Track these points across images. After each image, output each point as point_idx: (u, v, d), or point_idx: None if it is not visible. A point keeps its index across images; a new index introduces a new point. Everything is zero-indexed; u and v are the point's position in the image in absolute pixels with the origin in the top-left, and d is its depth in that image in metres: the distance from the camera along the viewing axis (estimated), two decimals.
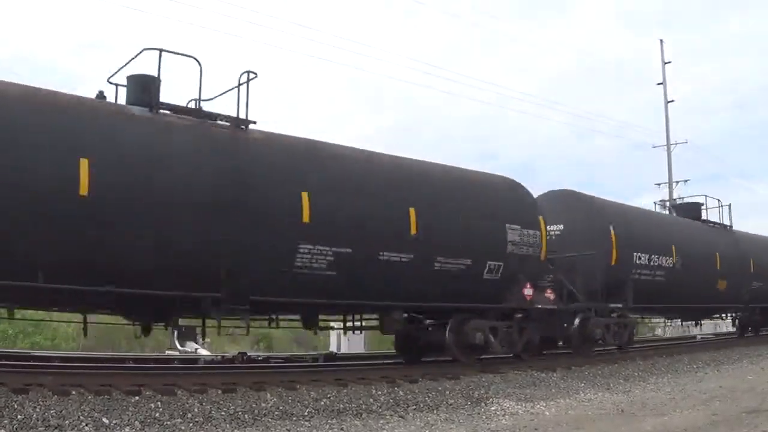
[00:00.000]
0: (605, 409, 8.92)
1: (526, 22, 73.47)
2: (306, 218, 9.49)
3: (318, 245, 9.57)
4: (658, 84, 34.76)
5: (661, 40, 35.22)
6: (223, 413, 7.17)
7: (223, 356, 13.38)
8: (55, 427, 6.18)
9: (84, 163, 7.89)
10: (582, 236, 13.90)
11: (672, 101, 34.56)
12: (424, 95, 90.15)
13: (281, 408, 7.62)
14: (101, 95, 9.30)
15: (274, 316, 10.64)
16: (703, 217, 19.73)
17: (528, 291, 12.34)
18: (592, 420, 8.16)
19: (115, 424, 6.45)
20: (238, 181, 9.09)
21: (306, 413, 7.64)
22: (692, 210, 19.83)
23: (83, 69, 64.17)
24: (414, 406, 8.50)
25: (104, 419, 6.48)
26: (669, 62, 34.87)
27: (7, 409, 6.30)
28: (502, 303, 12.06)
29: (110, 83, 9.69)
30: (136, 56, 9.51)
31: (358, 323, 12.20)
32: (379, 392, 8.86)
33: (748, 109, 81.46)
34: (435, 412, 8.39)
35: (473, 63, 70.75)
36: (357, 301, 10.41)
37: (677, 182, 34.73)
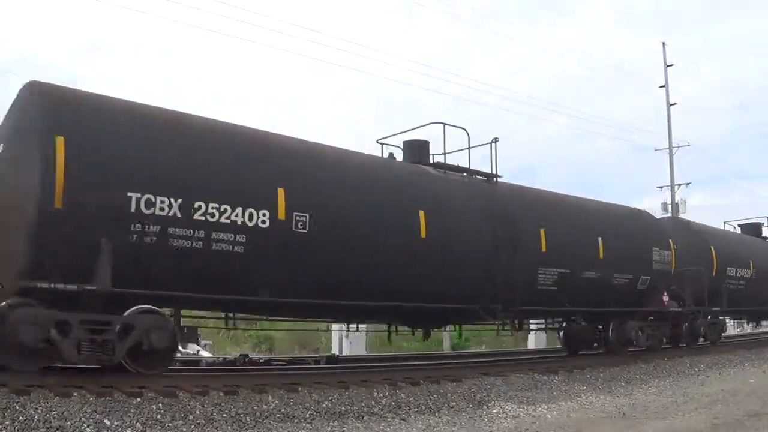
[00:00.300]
0: (607, 412, 8.92)
1: (527, 25, 73.58)
2: (543, 248, 12.70)
3: (549, 268, 12.85)
4: (660, 87, 34.72)
5: (664, 43, 35.22)
6: (224, 415, 7.17)
7: (224, 358, 13.38)
8: (57, 429, 6.19)
9: (422, 214, 10.84)
10: (690, 254, 17.13)
11: (674, 104, 34.52)
12: (425, 97, 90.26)
13: (283, 410, 7.63)
14: (392, 156, 12.33)
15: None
16: (764, 234, 23.74)
17: (665, 298, 15.69)
18: (593, 423, 8.16)
19: (117, 425, 6.46)
20: (503, 223, 12.12)
21: (308, 415, 7.64)
22: (755, 229, 23.77)
23: (83, 70, 64.35)
24: (416, 409, 8.50)
25: (106, 421, 6.49)
26: (671, 65, 34.85)
27: (8, 411, 6.31)
28: (646, 307, 15.47)
29: (379, 143, 12.56)
30: (421, 126, 12.66)
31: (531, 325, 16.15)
32: (381, 395, 8.85)
33: (750, 110, 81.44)
34: (437, 414, 8.39)
35: (474, 65, 70.85)
36: (566, 308, 13.67)
37: (679, 185, 34.75)
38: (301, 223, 9.35)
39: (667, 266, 15.72)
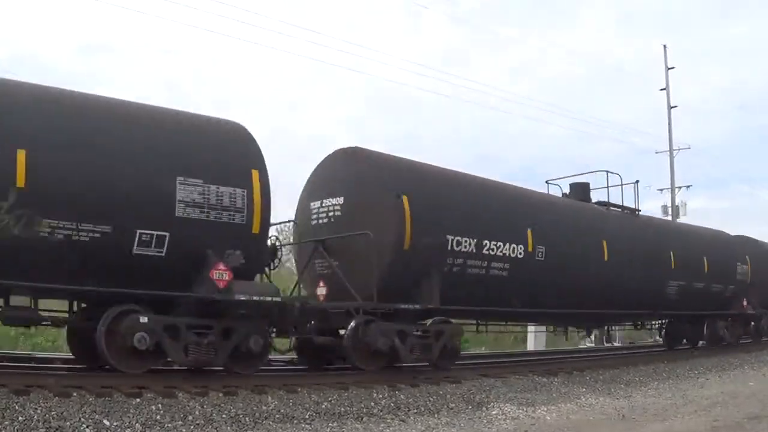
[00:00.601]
0: (606, 414, 8.92)
1: (528, 27, 73.54)
2: (673, 266, 16.58)
3: (676, 281, 16.74)
4: (661, 89, 34.73)
5: (665, 46, 35.19)
6: (224, 416, 7.17)
7: None
8: (56, 429, 6.18)
9: (605, 243, 14.38)
10: (758, 266, 20.20)
11: (675, 107, 34.55)
12: (427, 98, 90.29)
13: (282, 411, 7.63)
14: (565, 195, 15.63)
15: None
16: None
17: (745, 303, 19.29)
18: (593, 425, 8.16)
19: (116, 426, 6.46)
20: (647, 247, 15.84)
21: (307, 416, 7.64)
22: None
23: (83, 69, 64.34)
24: (415, 410, 8.50)
25: (105, 421, 6.49)
26: (672, 68, 34.85)
27: (8, 411, 6.30)
28: (730, 311, 19.20)
29: (548, 183, 15.88)
30: (588, 173, 16.58)
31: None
32: (380, 396, 8.86)
33: (751, 112, 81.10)
34: (436, 416, 8.39)
35: (476, 67, 70.85)
36: (684, 312, 17.72)
37: (679, 188, 34.75)
38: (540, 253, 12.65)
39: (745, 277, 19.52)
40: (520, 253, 12.26)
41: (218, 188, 8.69)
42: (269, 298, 9.14)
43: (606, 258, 14.27)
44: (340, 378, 9.74)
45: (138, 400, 7.18)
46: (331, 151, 11.53)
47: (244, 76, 69.04)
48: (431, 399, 9.07)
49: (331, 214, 11.10)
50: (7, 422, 6.11)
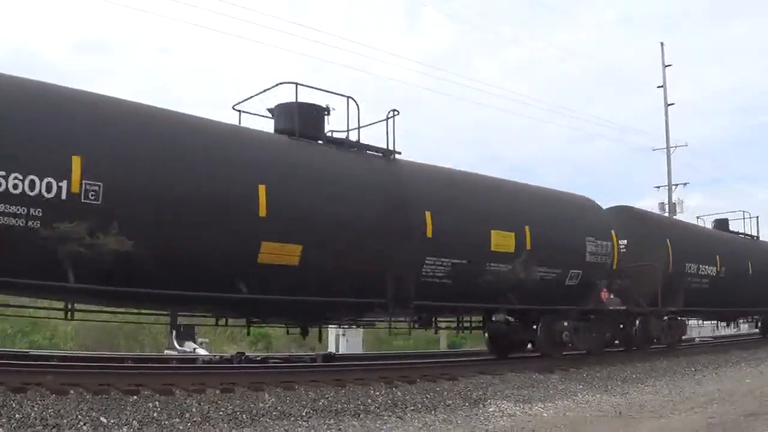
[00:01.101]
0: (603, 411, 8.93)
1: (529, 27, 73.48)
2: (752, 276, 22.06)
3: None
4: (659, 87, 34.84)
5: (662, 43, 35.42)
6: (221, 413, 7.17)
7: (221, 356, 13.38)
8: (53, 427, 6.18)
9: (749, 262, 20.80)
10: None
11: (672, 104, 34.67)
12: (427, 98, 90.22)
13: (279, 408, 7.63)
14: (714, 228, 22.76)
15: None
16: None
17: None
18: (589, 422, 8.17)
19: (113, 423, 6.46)
20: (762, 261, 21.41)
21: (304, 413, 7.64)
22: None
23: (82, 69, 64.19)
24: (412, 407, 8.50)
25: (102, 418, 6.48)
26: (669, 65, 34.98)
27: (5, 408, 6.29)
28: None
29: (697, 218, 22.73)
30: (726, 212, 23.71)
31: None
32: (377, 393, 8.85)
33: (750, 113, 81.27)
34: (433, 413, 8.39)
35: (475, 66, 70.75)
36: None
37: (676, 185, 34.84)
38: (723, 271, 18.67)
39: None
40: (713, 272, 18.41)
41: (602, 242, 14.22)
42: (623, 308, 14.57)
43: (750, 272, 20.50)
44: (337, 375, 9.73)
45: (135, 397, 7.17)
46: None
47: (243, 74, 68.92)
48: (428, 396, 9.07)
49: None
50: (4, 420, 6.11)
